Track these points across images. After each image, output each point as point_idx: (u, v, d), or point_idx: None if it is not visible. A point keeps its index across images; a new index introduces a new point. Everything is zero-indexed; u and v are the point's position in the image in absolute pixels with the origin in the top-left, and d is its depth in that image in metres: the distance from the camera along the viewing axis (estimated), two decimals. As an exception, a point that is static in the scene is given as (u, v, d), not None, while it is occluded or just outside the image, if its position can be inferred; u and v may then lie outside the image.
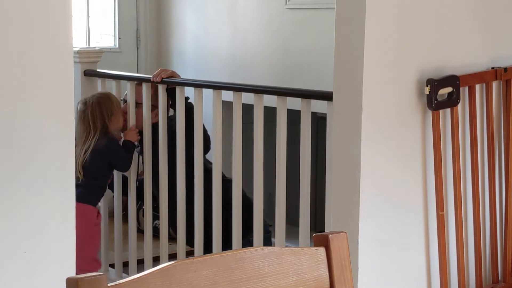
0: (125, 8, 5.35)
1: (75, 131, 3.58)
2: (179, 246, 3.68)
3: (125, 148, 3.79)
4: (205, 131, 3.62)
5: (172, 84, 3.69)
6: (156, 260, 3.81)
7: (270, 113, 3.40)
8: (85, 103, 3.71)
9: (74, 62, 3.84)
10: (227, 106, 3.72)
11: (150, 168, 3.80)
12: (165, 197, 3.73)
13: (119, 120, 3.77)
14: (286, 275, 1.19)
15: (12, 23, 2.04)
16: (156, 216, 3.92)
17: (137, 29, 5.39)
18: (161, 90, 3.69)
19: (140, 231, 4.05)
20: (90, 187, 3.64)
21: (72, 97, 2.18)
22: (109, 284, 1.03)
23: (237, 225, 3.35)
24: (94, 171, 3.65)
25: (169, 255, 3.79)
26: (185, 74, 4.39)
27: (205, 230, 3.53)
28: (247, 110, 3.42)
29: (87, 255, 3.54)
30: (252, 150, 3.24)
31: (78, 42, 5.10)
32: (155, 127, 3.73)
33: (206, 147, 3.63)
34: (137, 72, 5.30)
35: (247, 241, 3.53)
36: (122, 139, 3.83)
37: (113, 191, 3.94)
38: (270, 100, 3.29)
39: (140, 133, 3.81)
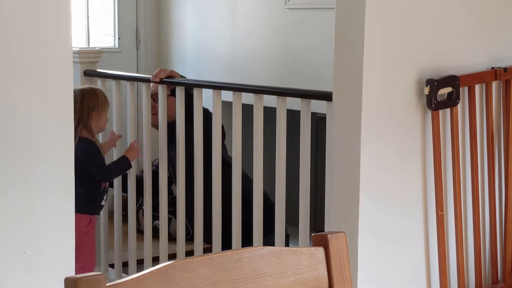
0: (125, 8, 5.34)
1: None
2: (179, 246, 3.68)
3: (117, 161, 3.66)
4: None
5: (171, 84, 3.68)
6: (156, 260, 3.81)
7: (270, 113, 3.40)
8: None
9: (74, 62, 3.84)
10: (227, 106, 3.72)
11: (150, 168, 3.80)
12: (165, 197, 3.72)
13: (101, 119, 3.62)
14: (285, 275, 1.19)
15: (10, 23, 2.03)
16: (156, 216, 3.92)
17: (136, 29, 5.39)
18: (161, 91, 3.67)
19: (140, 231, 4.05)
20: (76, 195, 3.51)
21: (72, 98, 2.18)
22: (107, 284, 1.03)
23: (236, 224, 3.35)
24: (79, 179, 3.48)
25: (169, 255, 3.79)
26: (184, 73, 4.38)
27: (224, 228, 3.49)
28: (247, 110, 3.42)
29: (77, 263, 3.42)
30: (252, 150, 3.23)
31: (78, 42, 5.09)
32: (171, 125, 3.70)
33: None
34: (137, 72, 5.29)
35: (266, 242, 3.51)
36: (123, 154, 3.72)
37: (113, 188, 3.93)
38: (270, 100, 3.29)
39: (170, 125, 3.72)
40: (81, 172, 3.47)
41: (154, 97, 3.85)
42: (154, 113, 3.82)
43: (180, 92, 3.59)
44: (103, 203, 3.70)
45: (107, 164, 3.68)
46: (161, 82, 3.64)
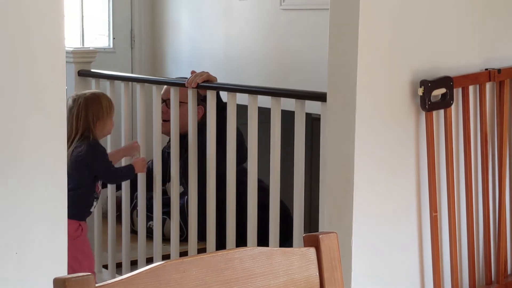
0: (120, 9, 5.34)
1: None
2: (173, 247, 3.67)
3: (124, 168, 3.54)
4: (241, 135, 3.36)
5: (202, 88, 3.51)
6: (150, 261, 3.80)
7: (264, 114, 3.40)
8: (74, 100, 3.45)
9: (68, 62, 3.84)
10: (221, 107, 3.70)
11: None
12: (159, 198, 3.72)
13: (106, 127, 3.48)
14: (276, 276, 1.19)
15: (3, 23, 2.03)
16: (150, 217, 3.91)
17: (131, 29, 5.38)
18: (173, 93, 3.59)
19: (134, 231, 4.04)
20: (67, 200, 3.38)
21: (64, 98, 2.17)
22: (97, 285, 1.03)
23: (231, 227, 3.35)
24: (75, 181, 3.32)
25: (163, 256, 3.79)
26: (179, 74, 4.38)
27: (221, 229, 3.45)
28: (242, 111, 3.41)
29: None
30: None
31: (72, 42, 5.09)
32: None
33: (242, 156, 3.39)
34: (132, 73, 5.28)
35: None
36: (130, 163, 3.59)
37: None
38: (265, 101, 3.29)
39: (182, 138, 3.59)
40: (83, 173, 3.40)
41: (166, 102, 3.69)
42: (166, 120, 3.67)
43: (211, 97, 3.39)
44: (92, 209, 3.56)
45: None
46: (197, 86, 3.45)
